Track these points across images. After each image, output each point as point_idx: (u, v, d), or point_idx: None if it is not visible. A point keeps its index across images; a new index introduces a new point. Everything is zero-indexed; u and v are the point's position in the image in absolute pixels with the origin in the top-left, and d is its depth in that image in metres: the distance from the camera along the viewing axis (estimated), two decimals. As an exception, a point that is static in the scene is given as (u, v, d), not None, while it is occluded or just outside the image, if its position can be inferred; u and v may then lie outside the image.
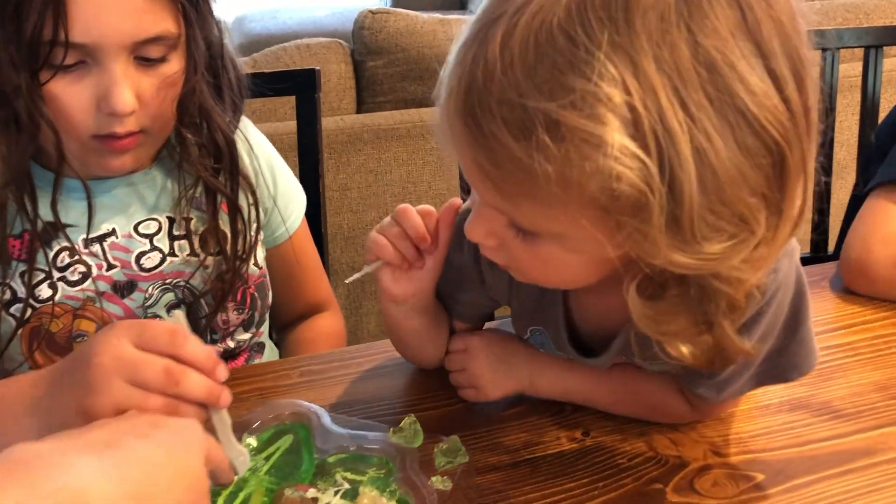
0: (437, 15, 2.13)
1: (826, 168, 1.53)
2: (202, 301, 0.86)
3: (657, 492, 0.66)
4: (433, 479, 0.62)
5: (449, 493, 0.61)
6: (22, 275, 0.78)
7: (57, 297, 0.79)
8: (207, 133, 0.82)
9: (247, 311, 0.90)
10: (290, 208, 0.97)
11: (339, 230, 1.95)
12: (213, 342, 0.89)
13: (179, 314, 0.59)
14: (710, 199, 0.46)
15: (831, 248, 1.61)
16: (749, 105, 0.45)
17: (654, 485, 0.66)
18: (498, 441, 0.71)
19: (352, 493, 0.60)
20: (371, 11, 2.05)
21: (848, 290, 0.95)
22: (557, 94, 0.45)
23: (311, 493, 0.61)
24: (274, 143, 0.99)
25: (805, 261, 1.40)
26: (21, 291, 0.78)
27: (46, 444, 0.43)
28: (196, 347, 0.56)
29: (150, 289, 0.84)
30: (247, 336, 0.92)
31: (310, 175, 1.18)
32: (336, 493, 0.60)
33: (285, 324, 1.03)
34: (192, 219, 0.85)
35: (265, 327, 0.96)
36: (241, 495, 0.61)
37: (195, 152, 0.82)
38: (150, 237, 0.84)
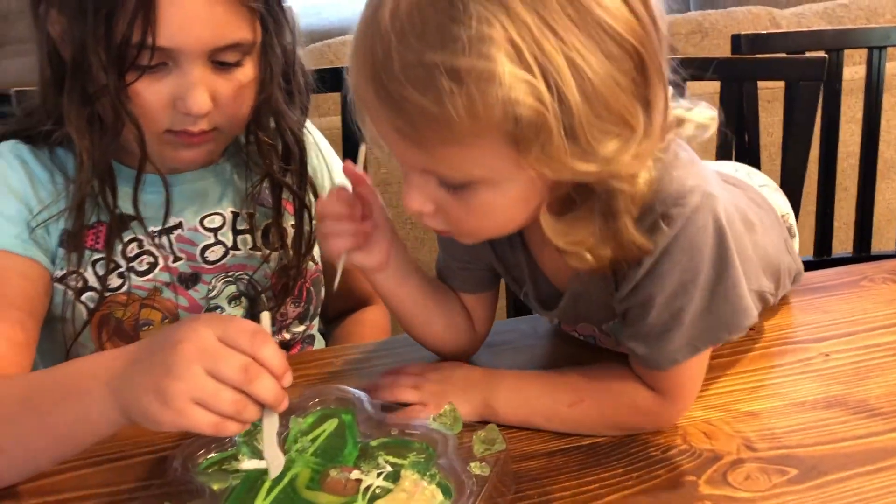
0: None
1: (871, 166, 1.52)
2: (262, 295, 0.89)
3: (690, 483, 0.67)
4: (472, 464, 0.64)
5: (487, 479, 0.63)
6: (94, 264, 0.82)
7: (126, 287, 0.83)
8: (278, 134, 0.86)
9: (303, 304, 0.94)
10: None
11: (380, 224, 1.98)
12: (271, 334, 0.92)
13: (266, 317, 0.61)
14: (593, 106, 0.54)
15: (875, 247, 1.59)
16: (606, 20, 0.54)
17: (687, 476, 0.68)
18: (534, 432, 0.73)
19: (394, 476, 0.63)
20: None
21: (887, 290, 0.96)
22: (448, 45, 0.53)
23: (355, 474, 0.63)
24: (318, 139, 1.02)
25: (846, 260, 1.40)
26: (93, 280, 0.83)
27: None
28: (273, 351, 0.58)
29: (213, 281, 0.87)
30: (301, 328, 0.96)
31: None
32: (379, 474, 0.63)
33: (333, 316, 1.07)
34: (255, 214, 0.89)
35: (317, 320, 1.00)
36: (289, 475, 0.64)
37: (265, 152, 0.86)
38: (215, 231, 0.88)
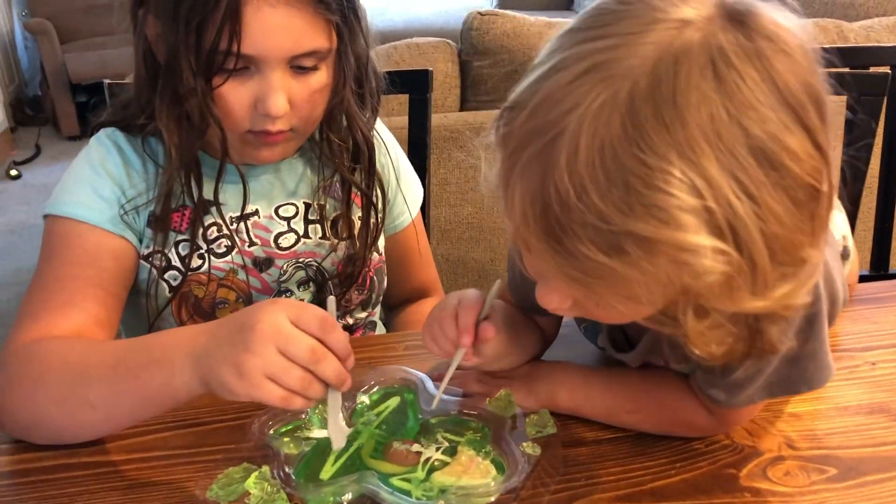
0: (544, 17, 2.17)
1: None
2: (329, 282, 0.96)
3: (731, 476, 0.71)
4: (524, 444, 0.69)
5: (537, 459, 0.68)
6: (177, 245, 0.90)
7: (205, 267, 0.90)
8: (349, 134, 0.92)
9: (366, 292, 1.00)
10: (411, 200, 1.06)
11: (437, 223, 2.02)
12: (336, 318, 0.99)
13: (332, 301, 0.68)
14: (776, 255, 0.52)
15: (893, 265, 1.58)
16: (796, 169, 0.51)
17: (728, 469, 0.71)
18: (583, 421, 0.77)
19: (451, 451, 0.68)
20: (480, 13, 2.10)
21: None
22: (639, 212, 0.49)
23: (416, 447, 0.69)
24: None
25: (864, 278, 1.39)
26: (175, 260, 0.90)
27: None
28: (339, 336, 0.65)
29: (284, 266, 0.94)
30: (363, 315, 1.02)
31: (417, 170, 1.27)
32: (437, 449, 0.68)
33: (394, 305, 1.13)
34: (325, 206, 0.95)
35: (378, 308, 1.06)
36: (355, 444, 0.70)
37: (337, 150, 0.92)
38: (288, 220, 0.95)
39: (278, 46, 0.79)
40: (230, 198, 0.91)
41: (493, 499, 0.64)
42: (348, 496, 0.65)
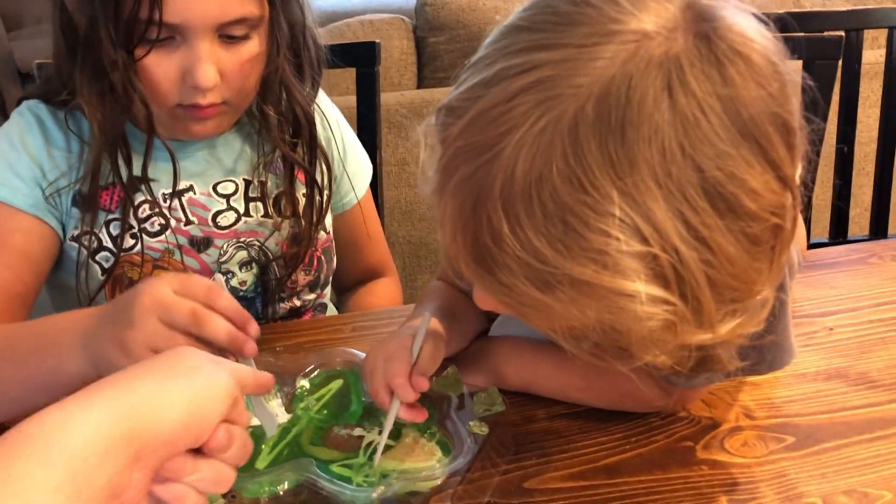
0: None
1: (889, 151, 1.51)
2: (273, 262, 0.92)
3: (687, 449, 0.68)
4: (471, 423, 0.66)
5: (485, 438, 0.65)
6: (107, 224, 0.85)
7: (138, 248, 0.85)
8: (288, 107, 0.88)
9: (313, 272, 0.96)
10: (358, 177, 1.02)
11: (397, 204, 1.99)
12: (282, 300, 0.95)
13: (220, 278, 0.65)
14: (723, 296, 0.47)
15: (893, 231, 1.58)
16: (755, 208, 0.46)
17: (684, 442, 0.69)
18: (534, 397, 0.74)
19: (395, 433, 0.65)
20: None
21: (895, 267, 0.96)
22: (576, 253, 0.45)
23: (358, 431, 0.66)
24: (335, 117, 1.03)
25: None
26: (107, 241, 0.85)
27: (51, 415, 0.42)
28: (228, 300, 0.61)
29: (224, 245, 0.90)
30: (312, 296, 0.98)
31: (368, 148, 1.23)
32: (380, 432, 0.65)
33: (346, 286, 1.09)
34: (266, 182, 0.91)
35: (328, 289, 1.02)
36: (294, 430, 0.66)
37: (275, 124, 0.88)
38: (227, 197, 0.90)
39: (204, 14, 0.75)
40: (162, 174, 0.86)
41: (438, 482, 0.61)
42: (285, 485, 0.61)
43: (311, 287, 0.97)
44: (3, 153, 0.83)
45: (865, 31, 1.47)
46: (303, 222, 0.92)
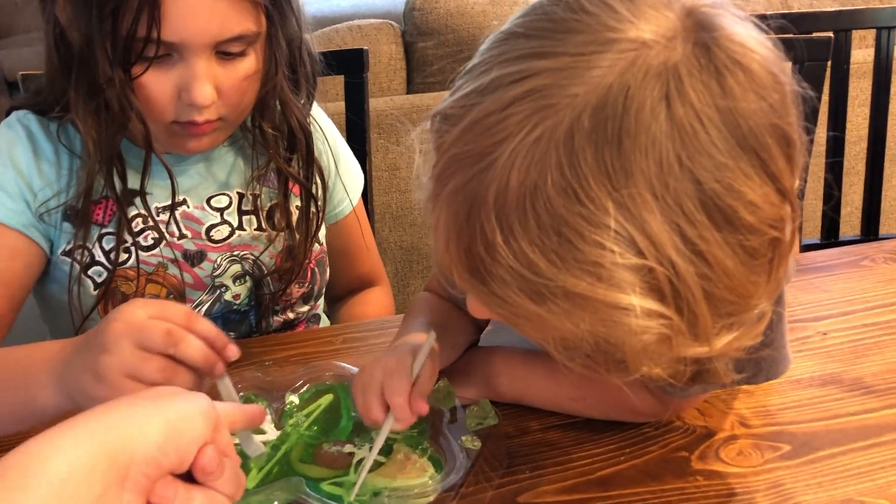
0: None
1: (880, 150, 1.51)
2: (268, 276, 0.91)
3: (682, 459, 0.68)
4: (464, 438, 0.65)
5: (478, 453, 0.64)
6: (100, 239, 0.84)
7: (132, 262, 0.84)
8: (283, 121, 0.87)
9: (307, 284, 0.95)
10: (351, 186, 1.01)
11: (388, 209, 1.98)
12: (275, 313, 0.94)
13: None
14: (721, 312, 0.47)
15: (884, 231, 1.58)
16: (753, 221, 0.45)
17: (679, 452, 0.68)
18: (527, 408, 0.73)
19: (386, 450, 0.64)
20: None
21: (888, 270, 0.95)
22: (571, 265, 0.44)
23: (348, 448, 0.64)
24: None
25: (853, 244, 1.39)
26: (99, 255, 0.84)
27: (34, 443, 0.41)
28: (207, 325, 0.60)
29: (218, 259, 0.89)
30: (305, 308, 0.97)
31: (357, 154, 1.22)
32: (371, 448, 0.64)
33: (338, 296, 1.08)
34: (259, 195, 0.90)
35: (321, 300, 1.01)
36: (283, 448, 0.65)
37: (271, 139, 0.87)
38: (221, 211, 0.89)
39: (202, 31, 0.74)
40: (156, 188, 0.85)
41: (431, 498, 0.60)
42: (276, 503, 0.60)
43: (305, 299, 0.96)
44: None
45: (853, 32, 1.46)
46: (297, 235, 0.91)
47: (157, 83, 0.76)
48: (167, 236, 0.86)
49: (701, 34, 0.45)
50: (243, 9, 0.75)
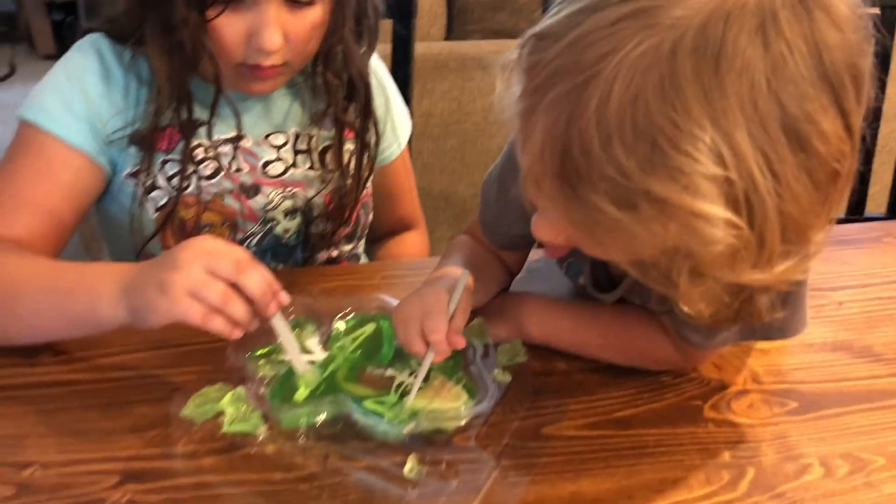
0: None
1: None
2: (317, 217, 0.96)
3: (695, 407, 0.73)
4: (495, 371, 0.71)
5: (507, 386, 0.70)
6: (163, 164, 0.89)
7: (191, 189, 0.89)
8: (345, 71, 0.91)
9: (351, 225, 1.00)
10: (399, 130, 1.05)
11: (420, 155, 2.01)
12: (320, 250, 1.00)
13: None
14: (787, 235, 0.50)
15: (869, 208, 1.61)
16: (823, 151, 0.49)
17: (693, 401, 0.73)
18: (554, 351, 0.78)
19: (425, 377, 0.69)
20: None
21: (909, 248, 0.99)
22: (660, 172, 0.47)
23: (389, 372, 0.70)
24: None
25: (840, 221, 1.41)
26: (161, 181, 0.89)
27: None
28: (266, 270, 0.66)
29: (271, 193, 0.94)
30: (348, 247, 1.02)
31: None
32: (410, 374, 0.69)
33: (378, 236, 1.13)
34: (315, 137, 0.95)
35: (363, 241, 1.06)
36: (330, 368, 0.71)
37: (330, 86, 0.91)
38: (278, 148, 0.94)
39: None
40: (219, 122, 0.90)
41: (462, 422, 0.66)
42: (322, 417, 0.66)
43: (349, 239, 1.01)
44: (60, 89, 0.86)
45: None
46: (349, 180, 0.96)
47: (229, 27, 0.79)
48: (225, 167, 0.91)
49: None
50: None
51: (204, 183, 0.90)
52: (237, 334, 0.65)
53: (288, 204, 0.95)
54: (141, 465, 0.64)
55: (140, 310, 0.67)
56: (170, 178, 0.89)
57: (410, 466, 0.62)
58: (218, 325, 0.64)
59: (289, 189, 0.94)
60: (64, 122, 0.84)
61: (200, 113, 0.88)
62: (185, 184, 0.89)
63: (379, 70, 1.01)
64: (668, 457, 0.67)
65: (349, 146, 0.96)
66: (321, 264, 1.00)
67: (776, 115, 0.47)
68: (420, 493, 0.61)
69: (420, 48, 1.96)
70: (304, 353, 0.71)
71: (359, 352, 0.73)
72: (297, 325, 0.74)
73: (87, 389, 0.73)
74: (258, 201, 0.93)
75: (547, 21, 0.52)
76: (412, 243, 1.12)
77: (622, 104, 0.47)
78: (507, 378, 0.70)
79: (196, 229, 0.91)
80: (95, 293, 0.69)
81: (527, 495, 0.62)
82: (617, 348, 0.77)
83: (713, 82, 0.47)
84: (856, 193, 1.55)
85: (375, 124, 0.96)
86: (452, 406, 0.67)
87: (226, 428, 0.66)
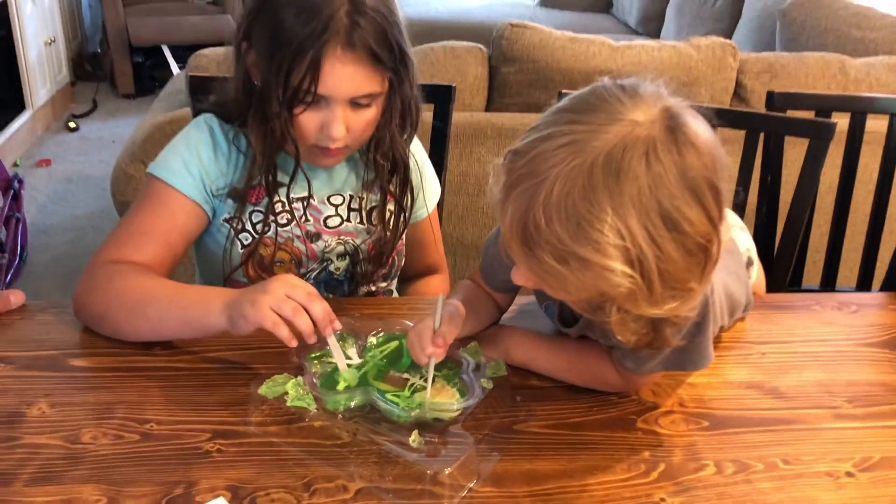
0: (569, 33, 2.36)
1: (843, 211, 1.73)
2: (362, 260, 1.24)
3: (631, 420, 0.97)
4: (482, 380, 0.97)
5: (490, 392, 0.96)
6: (251, 214, 1.18)
7: (271, 233, 1.19)
8: (391, 152, 1.19)
9: (388, 268, 1.28)
10: (430, 197, 1.34)
11: (455, 209, 2.25)
12: (362, 286, 1.28)
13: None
14: (667, 283, 0.76)
15: (840, 284, 1.80)
16: (690, 231, 0.74)
17: (630, 415, 0.98)
18: (529, 372, 1.03)
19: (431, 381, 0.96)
20: (511, 24, 2.30)
21: (831, 315, 1.22)
22: (582, 241, 0.73)
23: (406, 375, 0.97)
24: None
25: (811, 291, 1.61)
26: (248, 225, 1.18)
27: None
28: (326, 304, 0.94)
29: (329, 240, 1.23)
30: (384, 285, 1.31)
31: (436, 161, 1.50)
32: (423, 378, 0.96)
33: (408, 277, 1.40)
34: (364, 199, 1.23)
35: (395, 280, 1.34)
36: (363, 370, 0.98)
37: (380, 164, 1.20)
38: (336, 206, 1.23)
39: (345, 90, 1.06)
40: (296, 185, 1.18)
41: (455, 414, 0.92)
42: (355, 402, 0.93)
43: (385, 278, 1.29)
44: (180, 152, 1.15)
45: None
46: (388, 233, 1.24)
47: (308, 120, 1.08)
48: (297, 219, 1.19)
49: (670, 121, 0.77)
50: (374, 75, 1.07)
51: (280, 229, 1.19)
52: (294, 343, 0.92)
53: (341, 249, 1.23)
54: (225, 428, 0.91)
55: (236, 318, 0.94)
56: (255, 224, 1.18)
57: (413, 438, 0.88)
58: (283, 332, 0.92)
59: (342, 238, 1.23)
60: (182, 178, 1.14)
61: (282, 178, 1.17)
62: (266, 229, 1.18)
63: (418, 152, 1.30)
64: (603, 451, 0.91)
65: (390, 207, 1.24)
66: (362, 296, 1.28)
67: (655, 208, 0.74)
68: (418, 457, 0.87)
69: (463, 117, 2.22)
70: (346, 358, 0.98)
71: (385, 360, 1.00)
72: (341, 338, 1.01)
73: (189, 373, 1.01)
74: (318, 245, 1.22)
75: (518, 143, 0.81)
76: (435, 285, 1.39)
77: (559, 198, 0.73)
78: (490, 386, 0.97)
79: (271, 264, 1.20)
80: (207, 306, 0.98)
81: (495, 468, 0.87)
82: (578, 372, 1.02)
83: (615, 187, 0.74)
84: (794, 268, 1.71)
85: (411, 192, 1.24)
86: (449, 402, 0.93)
87: (289, 403, 0.93)
